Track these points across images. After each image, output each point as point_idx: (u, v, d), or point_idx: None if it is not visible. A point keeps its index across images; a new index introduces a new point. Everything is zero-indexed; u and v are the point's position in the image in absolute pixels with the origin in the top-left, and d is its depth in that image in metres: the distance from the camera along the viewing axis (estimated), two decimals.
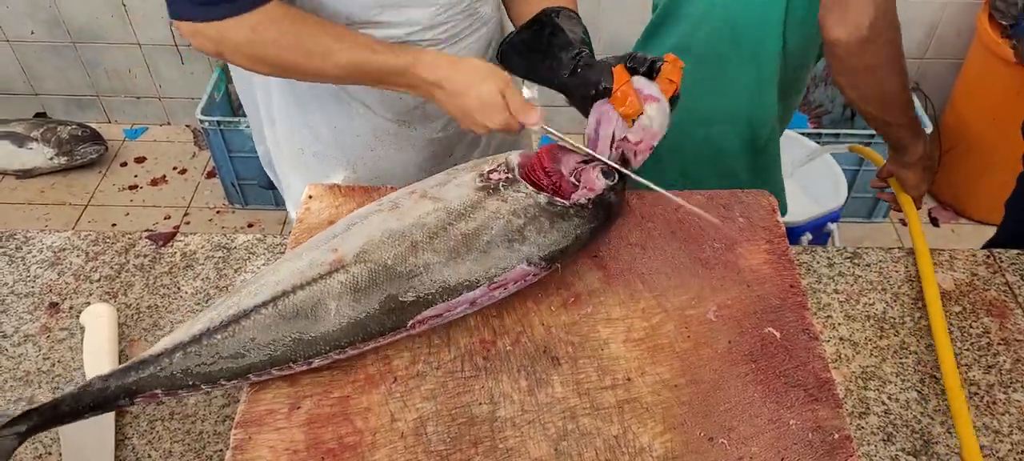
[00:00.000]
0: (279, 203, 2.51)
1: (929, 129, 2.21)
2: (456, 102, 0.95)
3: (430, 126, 1.16)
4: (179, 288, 1.03)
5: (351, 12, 1.00)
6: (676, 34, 1.22)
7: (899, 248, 1.08)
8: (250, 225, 2.55)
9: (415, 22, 1.03)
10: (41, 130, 2.65)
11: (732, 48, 1.16)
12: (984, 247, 1.68)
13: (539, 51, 0.99)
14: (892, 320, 0.99)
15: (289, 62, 0.95)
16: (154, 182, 2.69)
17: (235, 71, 1.19)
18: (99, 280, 1.04)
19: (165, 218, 2.57)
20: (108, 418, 0.86)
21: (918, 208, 1.17)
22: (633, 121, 0.90)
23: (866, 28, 0.96)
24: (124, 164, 2.76)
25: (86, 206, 2.61)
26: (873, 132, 2.25)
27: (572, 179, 0.90)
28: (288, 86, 1.14)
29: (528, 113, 0.95)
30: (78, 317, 0.98)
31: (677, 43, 1.20)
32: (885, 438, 0.87)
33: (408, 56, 0.96)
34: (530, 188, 0.88)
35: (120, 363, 0.93)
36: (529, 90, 1.02)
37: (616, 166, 0.91)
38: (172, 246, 1.09)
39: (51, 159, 2.65)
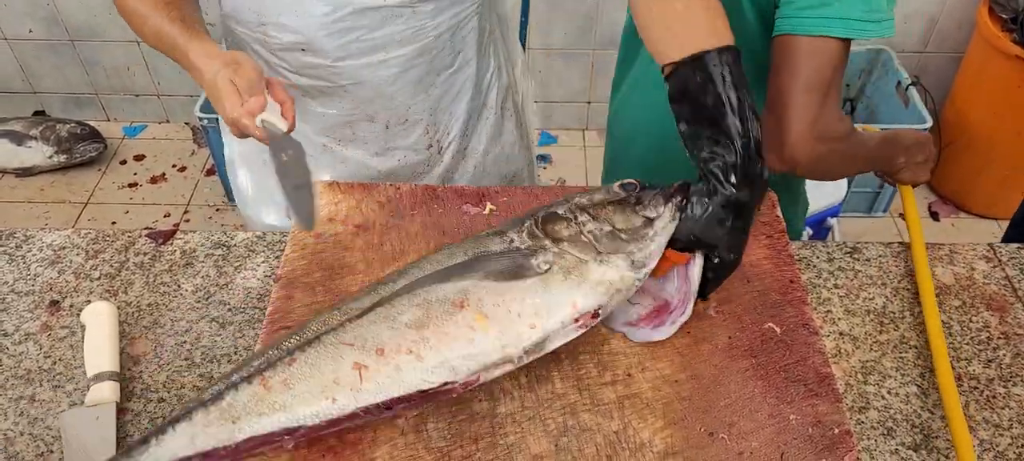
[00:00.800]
0: None
1: (928, 124, 2.21)
2: (206, 88, 0.95)
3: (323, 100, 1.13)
4: (179, 286, 1.03)
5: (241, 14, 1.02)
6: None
7: (899, 243, 1.08)
8: None
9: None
10: (40, 128, 2.65)
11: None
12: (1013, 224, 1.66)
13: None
14: (892, 315, 0.99)
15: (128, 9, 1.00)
16: (153, 180, 2.69)
17: None
18: (99, 278, 1.04)
19: (165, 216, 2.57)
20: (110, 415, 0.86)
21: (925, 180, 1.17)
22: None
23: (804, 156, 0.95)
24: (123, 162, 2.76)
25: (86, 204, 2.61)
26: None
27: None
28: None
29: (253, 93, 0.91)
30: (79, 315, 0.98)
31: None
32: (885, 433, 0.87)
33: (186, 36, 0.96)
34: None
35: (121, 362, 0.93)
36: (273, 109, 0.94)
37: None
38: (172, 244, 1.09)
39: (50, 157, 2.65)
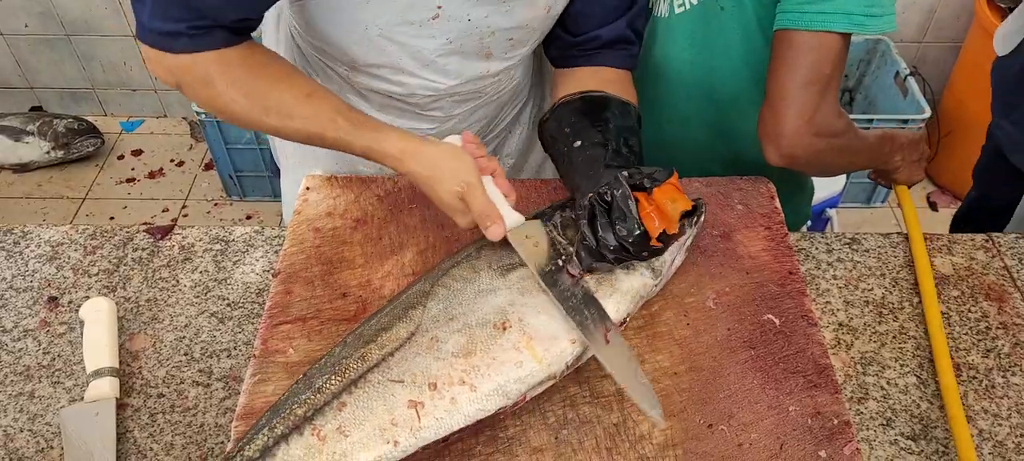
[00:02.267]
0: (277, 195, 2.51)
1: (927, 115, 2.21)
2: (424, 190, 0.87)
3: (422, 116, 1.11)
4: (178, 281, 1.03)
5: (355, 55, 0.95)
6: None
7: (898, 233, 1.08)
8: (248, 217, 2.55)
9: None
10: (37, 124, 2.65)
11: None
12: (955, 221, 1.68)
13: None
14: (891, 305, 0.99)
15: (243, 114, 0.87)
16: (151, 175, 2.69)
17: None
18: (98, 274, 1.04)
19: (163, 211, 2.56)
20: (109, 410, 0.86)
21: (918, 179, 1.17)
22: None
23: (802, 151, 0.95)
24: (121, 157, 2.76)
25: (84, 200, 2.61)
26: (870, 118, 2.27)
27: None
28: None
29: (489, 222, 0.84)
30: (77, 311, 0.98)
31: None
32: (884, 423, 0.87)
33: (368, 135, 0.87)
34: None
35: (120, 357, 0.93)
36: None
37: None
38: (170, 239, 1.08)
39: (48, 153, 2.64)
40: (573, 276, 0.82)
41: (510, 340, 0.77)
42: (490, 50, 0.98)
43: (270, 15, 1.09)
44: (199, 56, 0.82)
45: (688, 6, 1.07)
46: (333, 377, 0.75)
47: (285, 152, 1.25)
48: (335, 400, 0.73)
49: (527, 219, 0.87)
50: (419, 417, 0.73)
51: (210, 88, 0.85)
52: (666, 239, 0.84)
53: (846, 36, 0.92)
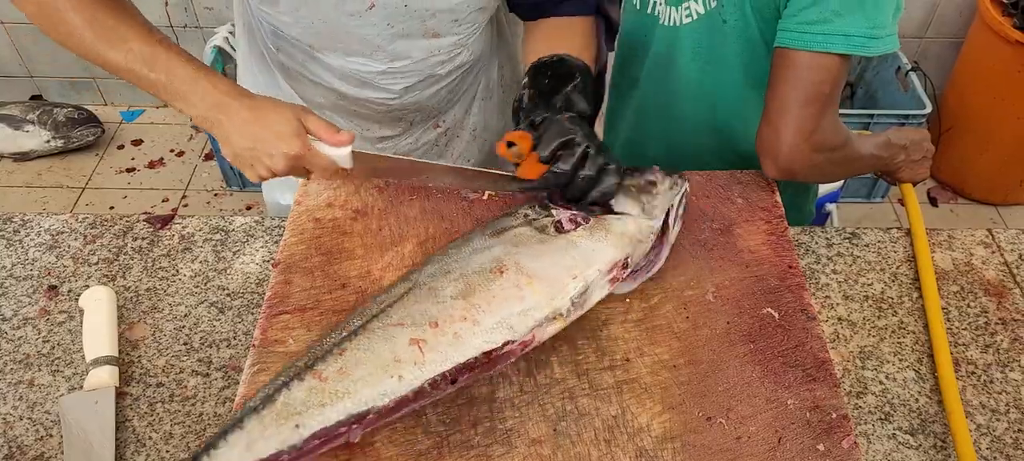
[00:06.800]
0: None
1: (928, 110, 2.20)
2: (245, 130, 0.90)
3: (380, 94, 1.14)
4: (177, 271, 1.03)
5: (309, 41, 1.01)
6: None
7: (898, 228, 1.08)
8: (248, 207, 2.55)
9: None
10: (37, 113, 2.64)
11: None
12: None
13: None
14: (890, 300, 0.99)
15: (72, 33, 0.88)
16: (151, 164, 2.69)
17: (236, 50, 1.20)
18: (97, 263, 1.04)
19: (163, 201, 2.56)
20: (109, 399, 0.87)
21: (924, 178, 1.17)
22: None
23: (800, 166, 0.96)
24: (121, 146, 2.75)
25: (84, 189, 2.61)
26: (871, 113, 2.26)
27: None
28: (269, 74, 1.14)
29: (332, 133, 0.91)
30: (77, 300, 0.98)
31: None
32: (882, 417, 0.87)
33: (189, 76, 0.89)
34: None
35: (119, 346, 0.93)
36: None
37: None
38: (170, 229, 1.08)
39: (48, 142, 2.64)
40: (569, 230, 0.85)
41: (509, 280, 0.78)
42: (436, 30, 1.02)
43: (238, 15, 1.14)
44: None
45: (694, 17, 1.07)
46: (333, 334, 0.76)
47: None
48: (336, 348, 0.74)
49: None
50: (423, 352, 0.73)
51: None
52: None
53: (846, 57, 0.93)
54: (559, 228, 0.85)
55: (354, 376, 0.71)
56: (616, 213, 0.87)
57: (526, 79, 0.97)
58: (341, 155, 0.93)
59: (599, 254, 0.82)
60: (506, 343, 0.75)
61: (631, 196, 0.88)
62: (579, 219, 0.86)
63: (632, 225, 0.86)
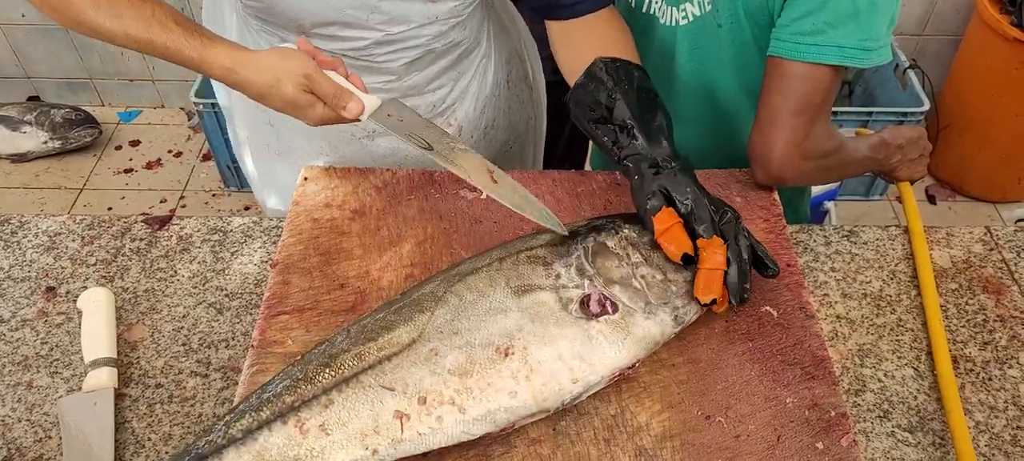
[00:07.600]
0: None
1: (926, 107, 2.20)
2: (265, 99, 0.87)
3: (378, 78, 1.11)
4: (176, 272, 1.03)
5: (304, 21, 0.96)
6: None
7: (896, 226, 1.08)
8: (246, 208, 2.55)
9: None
10: (34, 114, 2.64)
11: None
12: None
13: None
14: (889, 298, 0.99)
15: (71, 5, 0.84)
16: (149, 165, 2.68)
17: None
18: (95, 264, 1.04)
19: (161, 202, 2.56)
20: (107, 400, 0.87)
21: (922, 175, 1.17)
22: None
23: (790, 174, 0.97)
24: (119, 147, 2.75)
25: (81, 190, 2.60)
26: (869, 111, 2.26)
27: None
28: None
29: (343, 102, 0.85)
30: (75, 301, 0.98)
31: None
32: (881, 415, 0.87)
33: (197, 43, 0.85)
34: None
35: (118, 347, 0.93)
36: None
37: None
38: (168, 230, 1.08)
39: (45, 143, 2.63)
40: (594, 313, 0.79)
41: (509, 368, 0.75)
42: None
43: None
44: None
45: (690, 19, 1.07)
46: (327, 370, 0.75)
47: (242, 131, 1.27)
48: (324, 395, 0.73)
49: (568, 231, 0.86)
50: (402, 429, 0.72)
51: None
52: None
53: (839, 68, 0.93)
54: (585, 305, 0.80)
55: (333, 437, 0.71)
56: (648, 305, 0.81)
57: (614, 96, 0.92)
58: (368, 100, 0.88)
59: (611, 359, 0.77)
60: (484, 435, 0.74)
61: (670, 291, 0.82)
62: (608, 306, 0.80)
63: (657, 329, 0.80)
